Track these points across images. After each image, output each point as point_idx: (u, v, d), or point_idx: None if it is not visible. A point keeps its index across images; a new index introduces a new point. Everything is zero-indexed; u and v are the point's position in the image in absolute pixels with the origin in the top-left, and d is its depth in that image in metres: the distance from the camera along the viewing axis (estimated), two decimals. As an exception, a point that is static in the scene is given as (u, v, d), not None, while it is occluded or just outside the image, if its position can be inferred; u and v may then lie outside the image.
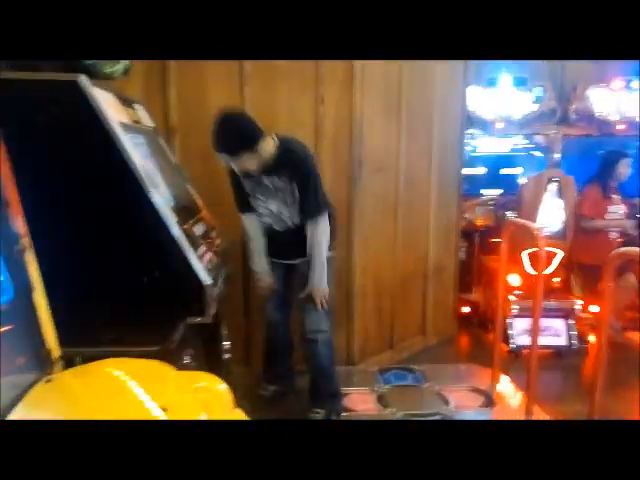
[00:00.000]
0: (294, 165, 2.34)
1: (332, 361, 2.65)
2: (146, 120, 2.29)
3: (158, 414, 0.85)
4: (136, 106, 2.20)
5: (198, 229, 2.09)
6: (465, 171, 4.02)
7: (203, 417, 0.94)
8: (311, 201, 2.36)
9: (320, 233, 2.38)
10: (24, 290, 1.06)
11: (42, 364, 1.09)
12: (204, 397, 0.94)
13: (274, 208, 2.47)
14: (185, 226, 1.89)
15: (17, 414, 0.92)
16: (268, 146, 2.33)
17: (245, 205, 2.54)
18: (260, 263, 2.62)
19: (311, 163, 2.38)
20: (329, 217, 2.47)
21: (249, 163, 2.31)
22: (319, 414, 2.63)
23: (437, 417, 2.69)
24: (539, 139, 4.44)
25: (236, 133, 2.26)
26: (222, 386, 1.00)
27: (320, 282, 2.43)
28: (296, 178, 2.36)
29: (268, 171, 2.37)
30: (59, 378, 1.03)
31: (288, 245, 2.54)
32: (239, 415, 1.05)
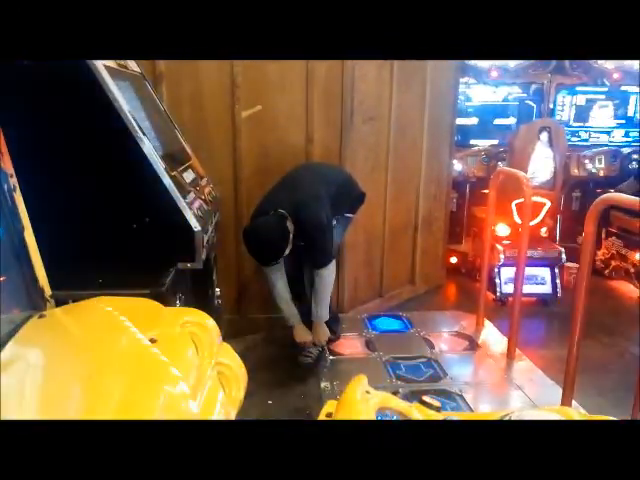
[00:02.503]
0: (303, 230, 2.49)
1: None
2: (133, 65, 2.25)
3: (147, 345, 0.90)
4: (122, 50, 2.16)
5: (187, 176, 2.09)
6: (458, 121, 4.00)
7: (191, 350, 0.99)
8: (317, 254, 2.60)
9: (324, 282, 2.62)
10: (15, 229, 1.08)
11: (35, 301, 1.12)
12: (192, 330, 0.98)
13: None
14: (174, 173, 1.89)
15: (11, 348, 0.95)
16: (291, 228, 2.45)
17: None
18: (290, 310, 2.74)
19: (318, 225, 2.49)
20: (359, 200, 2.82)
21: None
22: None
23: (422, 360, 2.80)
24: (533, 88, 4.39)
25: (269, 254, 2.49)
26: (210, 321, 1.05)
27: (319, 318, 2.68)
28: (307, 239, 2.55)
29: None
30: (51, 313, 1.06)
31: None
32: (227, 349, 1.10)
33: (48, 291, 1.17)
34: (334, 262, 2.64)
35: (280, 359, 2.83)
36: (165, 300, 1.76)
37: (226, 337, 1.64)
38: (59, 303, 1.31)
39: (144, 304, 1.11)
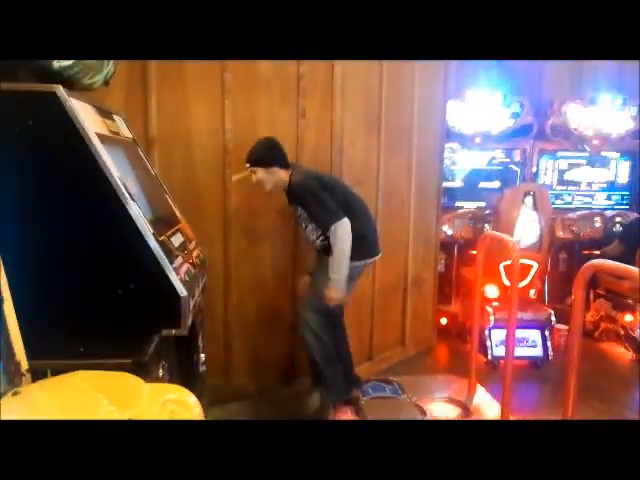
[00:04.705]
0: (295, 193, 2.63)
1: (317, 351, 2.72)
2: (125, 131, 2.29)
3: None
4: (115, 117, 2.20)
5: (176, 240, 2.08)
6: (444, 184, 4.08)
7: (171, 430, 0.95)
8: (319, 216, 2.58)
9: (337, 239, 2.53)
10: (-7, 301, 1.05)
11: (10, 377, 1.08)
12: (172, 409, 0.94)
13: (302, 230, 2.78)
14: (162, 237, 1.88)
15: (-18, 427, 0.91)
16: (283, 175, 2.63)
17: None
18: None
19: (306, 186, 2.57)
20: (365, 225, 2.73)
21: (263, 181, 2.63)
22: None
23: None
24: (516, 153, 4.52)
25: (259, 149, 2.63)
26: (192, 398, 1.01)
27: (335, 283, 2.55)
28: (300, 204, 2.64)
29: (289, 201, 2.74)
30: (26, 391, 1.02)
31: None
32: (209, 427, 1.05)
33: (25, 365, 1.13)
34: (345, 222, 2.51)
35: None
36: (148, 368, 1.72)
37: (210, 405, 1.58)
38: (38, 373, 1.26)
39: (123, 379, 1.07)
